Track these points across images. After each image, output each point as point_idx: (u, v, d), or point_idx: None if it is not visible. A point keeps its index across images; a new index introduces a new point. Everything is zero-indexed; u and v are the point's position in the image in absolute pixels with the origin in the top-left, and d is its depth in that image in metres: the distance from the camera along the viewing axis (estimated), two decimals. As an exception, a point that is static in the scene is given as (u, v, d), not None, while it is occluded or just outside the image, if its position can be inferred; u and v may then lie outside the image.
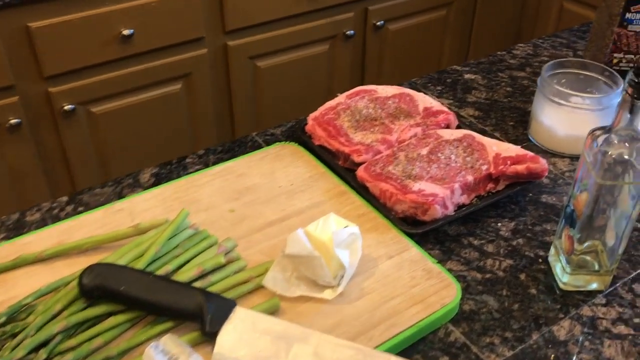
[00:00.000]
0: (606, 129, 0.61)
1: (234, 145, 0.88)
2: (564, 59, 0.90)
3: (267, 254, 0.68)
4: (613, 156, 0.59)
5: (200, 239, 0.66)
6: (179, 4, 1.59)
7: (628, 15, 0.94)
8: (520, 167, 0.77)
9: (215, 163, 0.84)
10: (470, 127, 0.92)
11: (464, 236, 0.74)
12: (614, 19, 0.95)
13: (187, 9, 1.61)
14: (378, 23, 1.99)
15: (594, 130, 0.62)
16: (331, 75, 2.01)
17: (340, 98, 0.90)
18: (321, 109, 0.88)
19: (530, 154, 0.78)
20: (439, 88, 1.02)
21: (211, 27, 1.70)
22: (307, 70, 1.95)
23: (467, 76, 1.05)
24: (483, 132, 0.91)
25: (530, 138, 0.90)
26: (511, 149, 0.79)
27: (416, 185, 0.74)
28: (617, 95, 0.84)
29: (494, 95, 1.00)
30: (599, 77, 0.88)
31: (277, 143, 0.86)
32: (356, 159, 0.80)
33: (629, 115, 0.58)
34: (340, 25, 1.93)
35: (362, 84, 2.10)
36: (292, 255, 0.62)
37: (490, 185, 0.78)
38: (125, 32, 1.55)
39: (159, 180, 0.81)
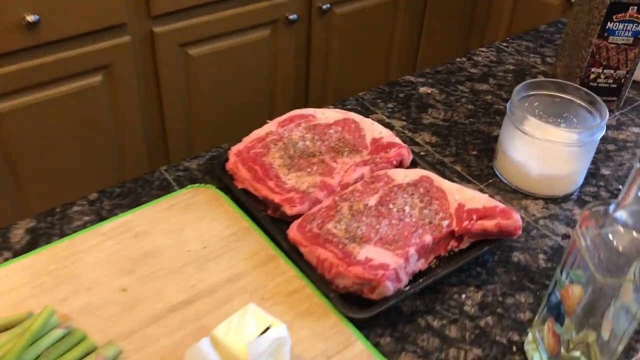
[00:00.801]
0: (608, 207, 0.46)
1: (137, 186, 0.71)
2: (538, 80, 0.75)
3: (167, 359, 0.51)
4: (620, 248, 0.45)
5: (72, 344, 0.49)
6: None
7: (609, 25, 0.80)
8: (488, 224, 0.62)
9: (110, 212, 0.67)
10: (426, 158, 0.77)
11: (421, 315, 0.59)
12: (593, 28, 0.81)
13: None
14: (324, 6, 1.81)
15: (592, 207, 0.47)
16: (273, 64, 1.83)
17: (271, 126, 0.73)
18: (247, 140, 0.71)
19: (501, 206, 0.64)
20: (390, 106, 0.86)
21: (134, 11, 1.49)
22: (247, 58, 1.75)
23: (422, 90, 0.90)
24: (442, 165, 0.76)
25: (497, 173, 0.76)
26: (477, 199, 0.65)
27: (362, 252, 0.58)
28: (601, 129, 0.70)
29: (454, 115, 0.85)
30: (579, 102, 0.74)
31: (190, 186, 0.69)
32: (288, 211, 0.64)
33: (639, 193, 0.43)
34: (282, 8, 1.74)
35: (307, 73, 1.94)
36: (195, 375, 0.46)
37: (452, 244, 0.64)
38: (30, 18, 1.33)
39: (35, 239, 0.63)
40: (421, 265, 0.61)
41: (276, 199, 0.65)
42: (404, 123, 0.83)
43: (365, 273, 0.56)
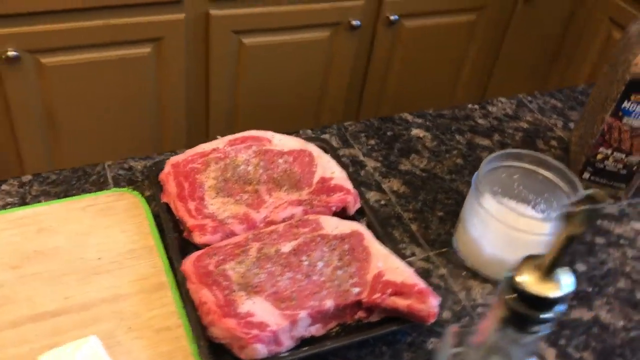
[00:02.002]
0: (469, 333, 0.39)
1: (73, 176, 0.69)
2: (519, 151, 0.67)
3: (4, 370, 0.49)
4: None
5: None
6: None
7: (626, 104, 0.70)
8: (401, 303, 0.56)
9: (34, 198, 0.65)
10: (382, 209, 0.70)
11: (298, 384, 0.54)
12: (608, 103, 0.71)
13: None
14: (392, 17, 1.74)
15: (460, 325, 0.40)
16: (328, 67, 1.78)
17: (221, 142, 0.69)
18: (190, 152, 0.68)
19: (421, 286, 0.57)
20: (371, 143, 0.80)
21: (192, -10, 1.49)
22: (301, 57, 1.72)
23: (414, 132, 0.83)
24: (397, 220, 0.70)
25: (454, 244, 0.68)
26: (400, 271, 0.58)
27: (247, 305, 0.53)
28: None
29: (436, 167, 0.78)
30: (561, 185, 0.65)
31: (115, 189, 0.66)
32: (197, 238, 0.60)
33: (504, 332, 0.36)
34: (346, 12, 1.69)
35: (363, 83, 1.88)
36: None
37: (360, 314, 0.57)
38: (86, -21, 1.35)
39: (-52, 211, 0.62)
40: (316, 331, 0.56)
41: (189, 222, 0.61)
42: (378, 165, 0.77)
43: (237, 329, 0.52)
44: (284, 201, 0.64)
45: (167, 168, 0.66)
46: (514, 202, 0.69)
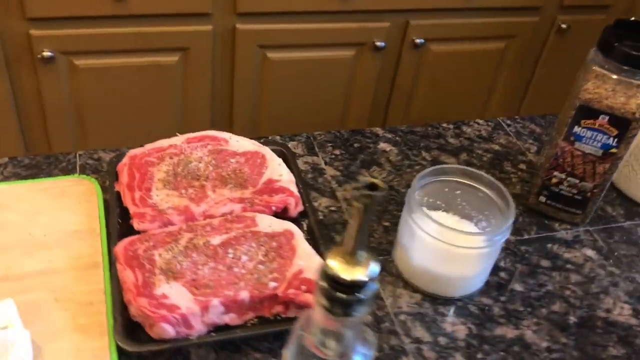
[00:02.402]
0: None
1: (46, 162, 0.74)
2: (456, 167, 0.68)
3: None
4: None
5: None
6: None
7: (576, 129, 0.70)
8: (312, 299, 0.58)
9: (5, 178, 0.71)
10: (330, 214, 0.73)
11: (206, 368, 0.57)
12: (562, 128, 0.72)
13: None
14: (418, 40, 1.76)
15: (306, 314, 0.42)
16: (351, 85, 1.81)
17: (179, 139, 0.73)
18: (148, 146, 0.72)
19: (335, 286, 0.59)
20: (336, 153, 0.83)
21: (220, 4, 1.55)
22: (324, 73, 1.76)
23: (381, 145, 0.85)
24: (342, 226, 0.72)
25: (393, 256, 0.70)
26: (319, 271, 0.60)
27: (163, 288, 0.57)
28: (493, 234, 0.62)
29: (394, 180, 0.80)
30: (498, 203, 0.66)
31: (76, 175, 0.71)
32: (136, 225, 0.64)
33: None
34: (371, 33, 1.72)
35: (388, 102, 1.90)
36: None
37: (277, 308, 0.60)
38: (120, -12, 1.44)
39: None
40: (230, 320, 0.58)
41: (131, 210, 0.65)
42: (337, 173, 0.79)
43: (147, 308, 0.55)
44: (226, 198, 0.68)
45: (125, 159, 0.71)
46: (458, 218, 0.70)
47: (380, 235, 0.72)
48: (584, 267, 0.72)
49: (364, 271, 0.34)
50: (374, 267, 0.34)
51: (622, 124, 0.68)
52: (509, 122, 0.93)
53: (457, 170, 0.67)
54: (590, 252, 0.74)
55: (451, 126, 0.90)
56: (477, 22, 1.79)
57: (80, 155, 0.76)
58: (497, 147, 0.88)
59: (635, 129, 0.68)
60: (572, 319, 0.66)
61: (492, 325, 0.64)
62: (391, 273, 0.68)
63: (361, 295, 0.34)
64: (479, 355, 0.61)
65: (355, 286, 0.34)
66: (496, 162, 0.85)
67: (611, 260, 0.73)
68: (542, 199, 0.77)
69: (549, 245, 0.74)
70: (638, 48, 0.66)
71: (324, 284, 0.34)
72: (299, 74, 1.73)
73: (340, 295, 0.34)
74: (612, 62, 0.67)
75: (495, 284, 0.69)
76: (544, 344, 0.63)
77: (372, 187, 0.31)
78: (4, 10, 1.38)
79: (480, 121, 0.92)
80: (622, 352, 0.63)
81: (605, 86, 0.68)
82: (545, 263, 0.72)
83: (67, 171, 0.74)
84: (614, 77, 0.67)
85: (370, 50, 1.75)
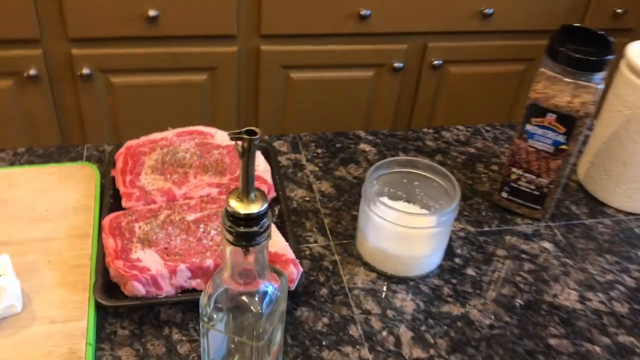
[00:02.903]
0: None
1: (57, 152, 0.85)
2: (409, 159, 0.75)
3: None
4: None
5: None
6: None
7: (528, 127, 0.76)
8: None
9: (22, 164, 0.82)
10: (303, 204, 0.80)
11: (172, 325, 0.64)
12: (518, 126, 0.77)
13: (222, 4, 1.59)
14: (436, 62, 1.84)
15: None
16: (372, 104, 1.89)
17: (170, 133, 0.82)
18: (143, 139, 0.82)
19: (289, 256, 0.66)
20: (318, 151, 0.90)
21: (245, 27, 1.67)
22: (345, 93, 1.85)
23: (361, 146, 0.92)
24: (313, 213, 0.79)
25: (356, 242, 0.76)
26: (276, 243, 0.68)
27: (138, 253, 0.65)
28: (440, 214, 0.68)
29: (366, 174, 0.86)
30: (450, 192, 0.72)
31: (80, 162, 0.81)
32: (123, 203, 0.73)
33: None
34: (390, 55, 1.81)
35: (409, 123, 1.96)
36: None
37: (240, 277, 0.67)
38: (151, 12, 1.57)
39: (-46, 166, 0.80)
40: (197, 285, 0.66)
41: (121, 190, 0.74)
42: (316, 169, 0.87)
43: (122, 269, 0.63)
44: (205, 183, 0.76)
45: (122, 149, 0.80)
46: (418, 207, 0.76)
47: (347, 222, 0.79)
48: (539, 258, 0.77)
49: (257, 207, 0.41)
50: (264, 203, 0.41)
51: (568, 122, 0.73)
52: (488, 128, 0.99)
53: (407, 162, 0.74)
54: (547, 245, 0.79)
55: (431, 131, 0.97)
56: (495, 44, 1.85)
57: (87, 147, 0.86)
58: (472, 150, 0.94)
59: (581, 127, 0.73)
60: (519, 302, 0.71)
61: (440, 303, 0.70)
62: (352, 254, 0.74)
63: (256, 228, 0.41)
64: (423, 328, 0.67)
65: (250, 219, 0.41)
66: (469, 163, 0.91)
67: (567, 253, 0.77)
68: (504, 194, 0.82)
69: (508, 237, 0.79)
70: (580, 52, 0.71)
71: (226, 222, 0.42)
72: (321, 93, 1.82)
73: (241, 227, 0.41)
74: (559, 65, 0.73)
75: (449, 268, 0.74)
76: (487, 322, 0.68)
77: (251, 133, 0.39)
78: (49, 32, 1.53)
79: (461, 127, 0.98)
80: (561, 331, 0.68)
81: (553, 87, 0.73)
82: (501, 252, 0.77)
83: (74, 160, 0.84)
84: (561, 78, 0.73)
85: (389, 72, 1.82)
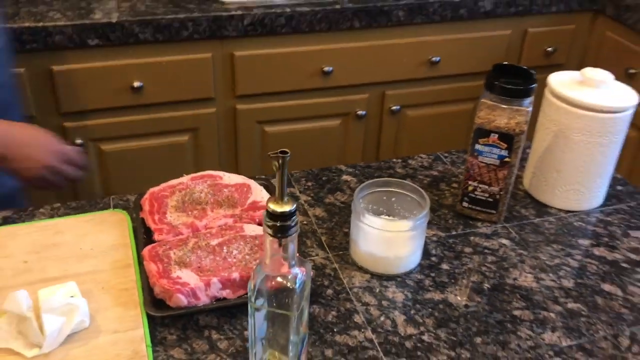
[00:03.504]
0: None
1: (87, 204, 1.00)
2: (387, 179, 0.92)
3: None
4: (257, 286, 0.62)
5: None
6: (190, 65, 1.76)
7: (477, 146, 0.94)
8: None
9: (61, 216, 0.96)
10: (304, 226, 0.96)
11: (211, 328, 0.79)
12: (469, 147, 0.96)
13: (198, 70, 1.77)
14: (394, 107, 2.04)
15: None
16: (342, 150, 2.08)
17: (184, 179, 0.98)
18: (163, 185, 0.97)
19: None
20: (309, 184, 1.07)
21: (221, 90, 1.85)
22: (317, 141, 2.03)
23: (344, 177, 1.09)
24: (312, 233, 0.95)
25: (350, 252, 0.93)
26: (288, 256, 0.83)
27: (177, 273, 0.80)
28: (416, 222, 0.85)
29: (351, 198, 1.03)
30: (420, 201, 0.89)
31: (111, 209, 0.96)
32: (156, 237, 0.88)
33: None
34: (353, 104, 2.01)
35: (377, 161, 2.15)
36: (10, 311, 0.72)
37: (261, 286, 0.82)
38: (136, 84, 1.74)
39: (4, 222, 0.94)
40: (227, 294, 0.81)
41: (152, 227, 0.89)
42: (309, 198, 1.04)
43: (167, 284, 0.78)
44: (221, 214, 0.92)
45: (147, 195, 0.96)
46: (397, 219, 0.93)
47: (341, 238, 0.95)
48: (499, 251, 0.94)
49: (289, 207, 0.58)
50: (294, 204, 0.58)
51: (508, 139, 0.92)
52: (446, 154, 1.18)
53: (385, 182, 0.91)
54: (505, 241, 0.96)
55: (399, 160, 1.15)
56: (446, 87, 2.06)
57: (112, 198, 1.02)
58: (435, 173, 1.12)
59: (519, 142, 0.92)
60: (487, 286, 0.88)
61: (424, 292, 0.86)
62: (348, 262, 0.91)
63: (291, 222, 0.57)
64: (412, 312, 0.83)
65: (284, 215, 0.57)
66: (434, 183, 1.09)
67: (521, 246, 0.95)
68: (465, 204, 1.00)
69: (472, 238, 0.97)
70: (511, 83, 0.91)
71: (267, 220, 0.58)
72: (294, 144, 2.00)
73: (278, 222, 0.57)
74: (496, 95, 0.92)
75: (427, 265, 0.91)
76: (463, 303, 0.85)
77: (284, 152, 0.55)
78: (43, 108, 1.68)
79: (424, 155, 1.17)
80: (522, 304, 0.85)
81: (493, 113, 0.92)
82: (468, 250, 0.94)
83: (104, 209, 0.98)
84: (498, 105, 0.92)
85: (353, 119, 2.02)
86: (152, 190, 0.96)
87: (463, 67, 2.04)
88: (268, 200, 0.58)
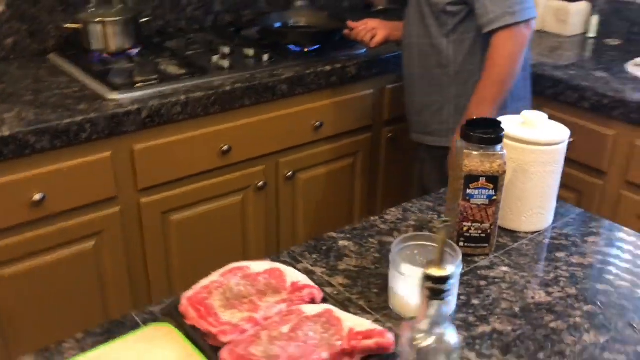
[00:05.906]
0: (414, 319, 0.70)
1: (112, 326, 0.93)
2: (415, 234, 1.01)
3: None
4: (420, 345, 0.68)
5: None
6: (91, 167, 1.68)
7: (469, 191, 1.08)
8: (369, 342, 0.85)
9: (92, 346, 0.89)
10: (337, 296, 1.01)
11: (318, 412, 0.80)
12: (459, 194, 1.09)
13: (99, 171, 1.70)
14: (288, 174, 2.13)
15: (409, 319, 0.71)
16: (245, 225, 2.10)
17: (214, 276, 0.97)
18: (195, 287, 0.95)
19: (379, 329, 0.87)
20: (314, 256, 1.12)
21: (123, 186, 1.78)
22: (221, 221, 2.03)
23: (341, 243, 1.16)
24: (349, 301, 1.00)
25: (390, 306, 0.99)
26: (364, 324, 0.88)
27: (272, 366, 0.80)
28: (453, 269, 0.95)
29: (363, 262, 1.10)
30: (450, 252, 0.99)
31: (151, 324, 0.92)
32: (222, 339, 0.87)
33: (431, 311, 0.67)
34: (252, 177, 2.05)
35: (277, 233, 2.21)
36: None
37: (346, 359, 0.85)
38: (37, 196, 1.62)
39: (34, 370, 0.85)
40: (322, 375, 0.83)
41: (213, 330, 0.88)
42: (324, 269, 1.08)
43: (271, 379, 0.78)
44: (272, 302, 0.93)
45: (184, 302, 0.93)
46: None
47: (375, 298, 1.01)
48: (505, 278, 1.08)
49: (447, 271, 0.64)
50: (453, 268, 0.65)
51: (494, 180, 1.07)
52: (411, 205, 1.30)
53: (415, 236, 1.00)
54: (504, 269, 1.10)
55: (377, 218, 1.24)
56: (330, 147, 2.21)
57: (135, 314, 0.96)
58: (413, 222, 1.23)
59: (502, 180, 1.07)
60: (516, 309, 1.00)
61: (474, 328, 0.96)
62: (392, 317, 0.97)
63: (446, 286, 0.64)
64: (477, 347, 0.92)
65: (443, 279, 0.64)
66: (419, 230, 1.20)
67: (518, 269, 1.09)
68: (461, 243, 1.12)
69: (479, 272, 1.09)
70: (486, 134, 1.06)
71: (426, 282, 0.64)
72: (200, 226, 1.99)
73: (437, 285, 0.64)
74: (474, 145, 1.07)
75: (462, 304, 1.00)
76: (509, 328, 0.96)
77: (446, 221, 0.63)
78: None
79: (394, 209, 1.28)
80: (552, 317, 0.98)
81: (476, 160, 1.07)
82: (482, 283, 1.06)
83: (134, 327, 0.93)
84: (478, 153, 1.07)
85: (254, 192, 2.07)
86: (186, 296, 0.94)
87: (342, 126, 2.21)
88: (426, 266, 0.64)
